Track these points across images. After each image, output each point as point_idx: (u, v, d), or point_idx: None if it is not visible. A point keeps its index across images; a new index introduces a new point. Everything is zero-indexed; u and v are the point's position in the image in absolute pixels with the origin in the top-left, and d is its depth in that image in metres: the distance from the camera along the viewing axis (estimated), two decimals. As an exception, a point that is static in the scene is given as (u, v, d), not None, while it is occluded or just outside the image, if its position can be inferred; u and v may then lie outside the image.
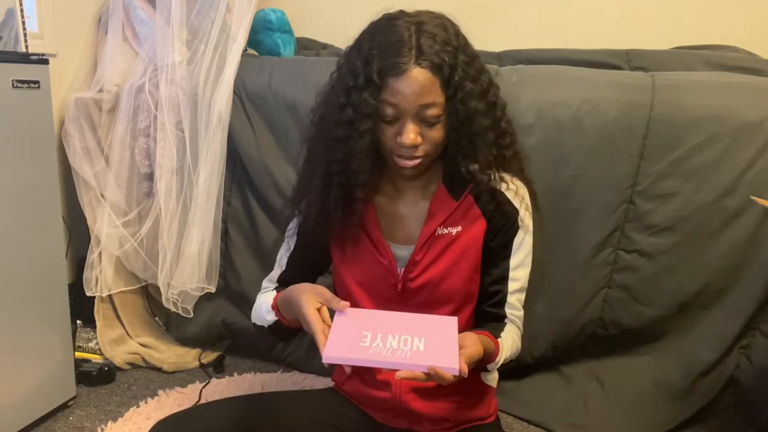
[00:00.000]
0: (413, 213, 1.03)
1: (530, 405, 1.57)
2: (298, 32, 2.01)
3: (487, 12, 2.04)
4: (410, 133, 0.91)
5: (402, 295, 1.01)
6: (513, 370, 1.59)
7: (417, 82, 0.88)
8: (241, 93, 1.65)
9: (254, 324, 1.10)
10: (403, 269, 1.00)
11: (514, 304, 1.02)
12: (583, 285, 1.47)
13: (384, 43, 0.90)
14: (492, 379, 1.12)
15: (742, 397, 1.43)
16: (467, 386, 1.05)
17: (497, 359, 0.95)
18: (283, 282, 1.10)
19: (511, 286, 1.01)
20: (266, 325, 1.05)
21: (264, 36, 1.85)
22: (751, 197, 1.29)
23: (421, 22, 0.91)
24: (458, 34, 0.94)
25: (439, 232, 0.99)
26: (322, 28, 2.11)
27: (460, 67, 0.90)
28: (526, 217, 1.01)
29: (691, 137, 1.36)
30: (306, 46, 2.04)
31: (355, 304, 1.06)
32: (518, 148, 1.05)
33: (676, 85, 1.41)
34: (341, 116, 0.94)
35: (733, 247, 1.37)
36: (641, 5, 1.94)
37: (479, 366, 0.94)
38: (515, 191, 1.01)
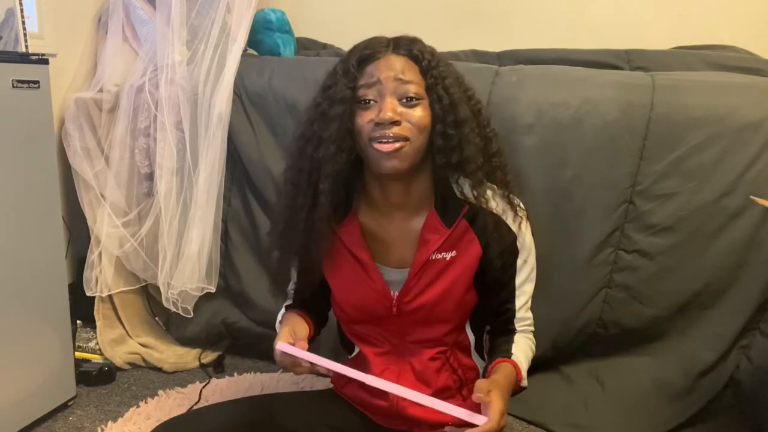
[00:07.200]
0: (404, 236, 1.00)
1: (530, 405, 1.56)
2: (298, 32, 2.01)
3: (487, 12, 2.04)
4: (387, 110, 0.88)
5: (398, 315, 1.00)
6: (513, 370, 1.59)
7: (394, 63, 0.91)
8: (241, 93, 1.65)
9: None
10: (397, 292, 0.98)
11: (524, 316, 1.03)
12: (583, 285, 1.47)
13: (362, 45, 0.95)
14: None
15: (742, 397, 1.42)
16: (466, 392, 1.05)
17: (522, 375, 0.96)
18: (297, 292, 1.12)
19: (519, 302, 1.02)
20: None
21: (264, 36, 1.85)
22: (751, 197, 1.29)
23: (398, 36, 0.96)
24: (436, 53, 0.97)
25: (433, 258, 0.97)
26: (322, 28, 2.11)
27: (439, 65, 0.93)
28: (526, 240, 1.00)
29: (691, 137, 1.36)
30: (306, 46, 2.04)
31: (351, 324, 1.07)
32: (507, 161, 1.02)
33: (676, 85, 1.41)
34: (315, 113, 0.95)
35: (732, 247, 1.37)
36: (641, 5, 1.94)
37: (514, 389, 0.95)
38: (515, 214, 0.99)
